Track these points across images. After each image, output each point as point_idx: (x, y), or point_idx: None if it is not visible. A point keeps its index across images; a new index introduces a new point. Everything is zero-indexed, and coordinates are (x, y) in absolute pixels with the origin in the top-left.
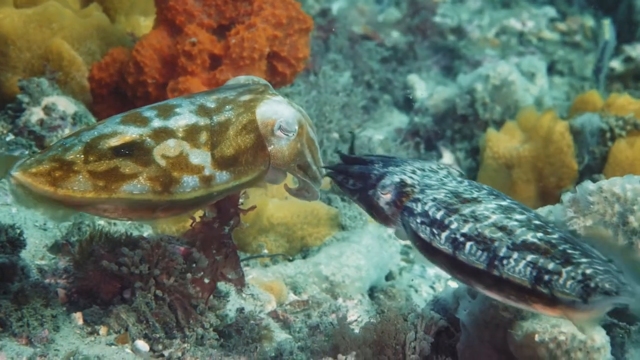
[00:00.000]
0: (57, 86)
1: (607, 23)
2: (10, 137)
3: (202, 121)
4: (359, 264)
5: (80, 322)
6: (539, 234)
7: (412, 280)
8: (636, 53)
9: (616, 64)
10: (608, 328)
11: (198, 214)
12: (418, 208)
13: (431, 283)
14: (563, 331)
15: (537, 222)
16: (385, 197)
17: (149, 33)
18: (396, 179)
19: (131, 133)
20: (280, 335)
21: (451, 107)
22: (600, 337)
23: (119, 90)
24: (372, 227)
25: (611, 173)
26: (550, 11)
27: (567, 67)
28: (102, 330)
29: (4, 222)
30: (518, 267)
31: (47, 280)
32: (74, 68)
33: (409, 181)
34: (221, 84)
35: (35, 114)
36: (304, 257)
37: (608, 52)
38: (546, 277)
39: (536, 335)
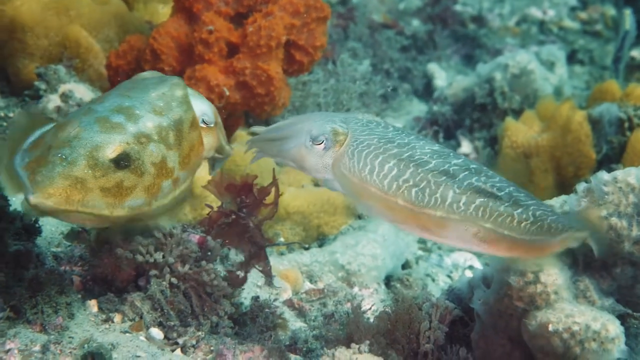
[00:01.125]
0: (74, 73)
1: (628, 13)
2: None
3: (164, 121)
4: (375, 252)
5: (95, 309)
6: (482, 178)
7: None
8: None
9: (637, 53)
10: (622, 318)
11: (215, 203)
12: (355, 156)
13: (448, 272)
14: (577, 321)
15: (474, 166)
16: (318, 148)
17: (167, 21)
18: (327, 128)
19: (120, 141)
20: (296, 324)
21: (470, 96)
22: (614, 328)
23: None
24: None
25: (629, 162)
26: (571, 0)
27: (587, 56)
28: (117, 317)
29: (19, 209)
30: (469, 211)
31: (62, 268)
32: (92, 55)
33: (340, 129)
34: (238, 72)
35: (52, 101)
36: (320, 246)
37: (628, 42)
38: (499, 219)
39: (550, 325)
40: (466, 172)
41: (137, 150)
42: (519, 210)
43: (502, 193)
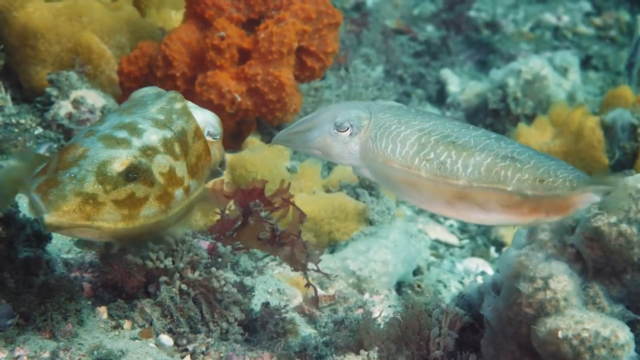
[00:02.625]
0: (86, 80)
1: None
2: (39, 130)
3: (168, 133)
4: (386, 259)
5: (105, 316)
6: (502, 144)
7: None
8: None
9: None
10: (632, 325)
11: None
12: (378, 136)
13: (460, 278)
14: (587, 328)
15: (494, 136)
16: (343, 135)
17: (178, 27)
18: (352, 114)
19: (126, 155)
20: (306, 330)
21: (483, 102)
22: (624, 334)
23: (148, 83)
24: (400, 222)
25: None
26: (586, 5)
27: (601, 62)
28: (127, 324)
29: (29, 216)
30: (490, 176)
31: (72, 274)
32: (103, 61)
33: (364, 114)
34: (250, 79)
35: (64, 108)
36: (331, 252)
37: None
38: (522, 180)
39: (559, 332)
40: (487, 141)
41: (145, 162)
42: (541, 170)
43: (522, 156)
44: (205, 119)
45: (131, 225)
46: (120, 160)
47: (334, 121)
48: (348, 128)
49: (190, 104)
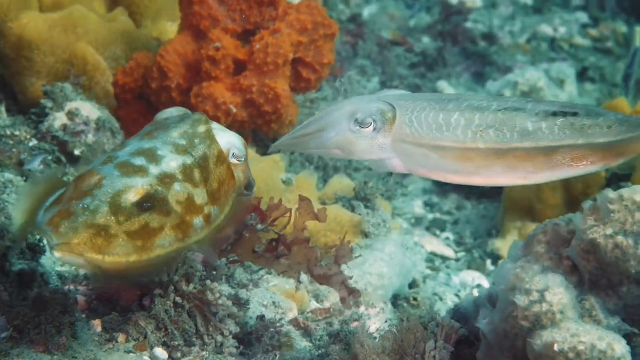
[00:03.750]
0: (81, 91)
1: (638, 30)
2: (34, 142)
3: (188, 159)
4: (382, 272)
5: (99, 329)
6: (549, 104)
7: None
8: None
9: None
10: (629, 338)
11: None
12: (414, 122)
13: (456, 291)
14: (583, 341)
15: (530, 99)
16: (367, 131)
17: (174, 38)
18: (373, 108)
19: (142, 184)
20: (301, 344)
21: None
22: (620, 347)
23: (143, 95)
24: (396, 235)
25: (638, 180)
26: (583, 17)
27: (598, 73)
28: (121, 337)
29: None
30: (554, 132)
31: (67, 287)
32: (99, 73)
33: (386, 107)
34: (245, 90)
35: (58, 119)
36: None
37: (638, 60)
38: (589, 132)
39: (555, 345)
40: (530, 103)
41: (162, 190)
42: (601, 119)
43: (577, 109)
44: (230, 141)
45: (145, 257)
46: (135, 189)
47: (352, 118)
48: (371, 123)
49: (215, 125)
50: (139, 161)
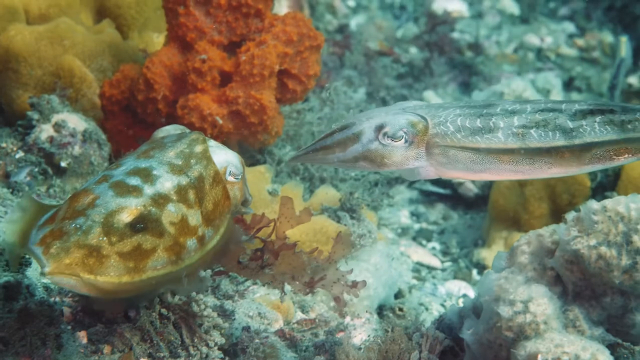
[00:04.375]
0: (68, 103)
1: (624, 40)
2: (20, 154)
3: (183, 180)
4: (367, 282)
5: (85, 340)
6: (581, 103)
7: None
8: None
9: (634, 80)
10: (612, 348)
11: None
12: (450, 127)
13: (442, 301)
14: (566, 351)
15: (560, 100)
16: (398, 143)
17: (160, 50)
18: (402, 121)
19: (135, 205)
20: (287, 354)
21: None
22: (604, 357)
23: (130, 107)
24: (381, 245)
25: (624, 190)
26: (569, 27)
27: (584, 83)
28: (106, 349)
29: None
30: (595, 129)
31: (52, 299)
32: (85, 85)
33: (415, 118)
34: (231, 101)
35: (45, 131)
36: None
37: (624, 70)
38: (629, 126)
39: (539, 356)
40: (564, 104)
41: (155, 211)
42: (638, 114)
43: (612, 106)
44: (227, 159)
45: (137, 278)
46: (129, 210)
47: (380, 131)
48: (402, 136)
49: (213, 143)
50: (134, 181)
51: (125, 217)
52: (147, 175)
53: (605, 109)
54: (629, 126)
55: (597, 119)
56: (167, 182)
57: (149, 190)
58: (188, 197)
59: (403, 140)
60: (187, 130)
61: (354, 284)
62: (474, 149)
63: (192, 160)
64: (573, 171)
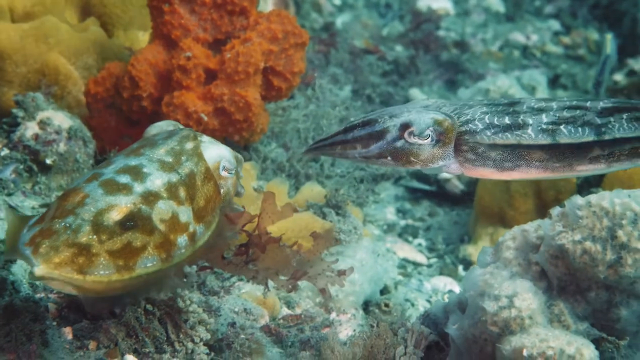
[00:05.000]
0: (53, 101)
1: (609, 37)
2: (5, 151)
3: (174, 177)
4: (353, 278)
5: (70, 336)
6: (604, 100)
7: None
8: (639, 66)
9: (620, 77)
10: (597, 343)
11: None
12: (479, 125)
13: (428, 297)
14: (551, 345)
15: (581, 97)
16: (425, 142)
17: (145, 47)
18: (428, 120)
19: (125, 203)
20: (272, 350)
21: None
22: (589, 352)
23: (115, 104)
24: (367, 241)
25: (609, 187)
26: (555, 24)
27: (570, 80)
28: (92, 345)
29: None
30: (624, 126)
31: (38, 295)
32: (70, 82)
33: (440, 117)
34: (216, 99)
35: (30, 129)
36: None
37: (609, 67)
38: None
39: (524, 350)
40: (588, 101)
41: (145, 209)
42: None
43: (635, 104)
44: (220, 154)
45: (127, 276)
46: (118, 208)
47: (405, 130)
48: (429, 135)
49: (206, 139)
50: (124, 179)
51: (115, 215)
52: (137, 173)
53: (630, 107)
54: None
55: (624, 115)
56: (157, 180)
57: (139, 188)
58: (179, 194)
59: (430, 138)
60: (180, 127)
61: (340, 273)
62: (505, 145)
63: (182, 157)
64: (601, 168)
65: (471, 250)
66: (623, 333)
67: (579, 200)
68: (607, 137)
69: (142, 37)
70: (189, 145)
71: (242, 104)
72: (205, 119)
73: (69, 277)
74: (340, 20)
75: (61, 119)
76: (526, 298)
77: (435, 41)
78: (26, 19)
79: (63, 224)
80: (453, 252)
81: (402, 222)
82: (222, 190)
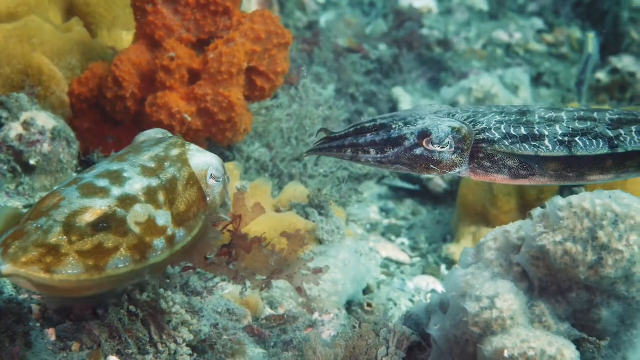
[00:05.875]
0: (37, 101)
1: (591, 37)
2: None
3: (154, 182)
4: (336, 278)
5: (53, 338)
6: (612, 112)
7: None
8: (622, 64)
9: (602, 76)
10: (578, 343)
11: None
12: (496, 134)
13: (410, 296)
14: (532, 346)
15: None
16: (445, 149)
17: (128, 48)
18: (446, 128)
19: (100, 205)
20: (255, 350)
21: None
22: (570, 352)
23: (99, 105)
24: (350, 241)
25: (591, 187)
26: (538, 22)
27: (553, 78)
28: (75, 346)
29: None
30: (635, 139)
31: (21, 297)
32: (54, 83)
33: (457, 125)
34: (200, 99)
35: (14, 129)
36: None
37: (591, 66)
38: None
39: (505, 351)
40: (595, 112)
41: (120, 211)
42: None
43: (636, 115)
44: (207, 162)
45: (97, 276)
46: (93, 210)
47: (424, 138)
48: (449, 143)
49: (194, 147)
50: (102, 183)
51: (88, 217)
52: (116, 178)
53: (635, 119)
54: None
55: (633, 128)
56: (136, 184)
57: (116, 191)
58: (157, 199)
59: (449, 146)
60: (169, 135)
61: (317, 270)
62: (523, 156)
63: (166, 163)
64: (610, 178)
65: (454, 250)
66: (604, 333)
67: (560, 201)
68: (620, 150)
69: (126, 37)
70: (175, 152)
71: (226, 105)
72: (189, 119)
73: (35, 276)
74: (324, 19)
75: (45, 120)
76: (507, 299)
77: (419, 40)
78: (10, 20)
79: (35, 225)
80: (436, 251)
81: (386, 221)
82: (208, 199)
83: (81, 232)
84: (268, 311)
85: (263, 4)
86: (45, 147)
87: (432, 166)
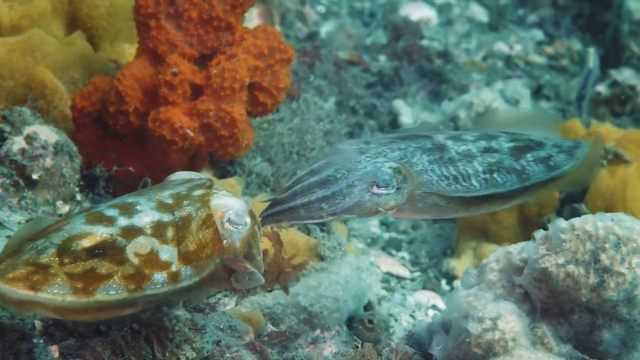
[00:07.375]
0: (39, 115)
1: (591, 52)
2: None
3: (166, 217)
4: (337, 295)
5: (57, 354)
6: (503, 137)
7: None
8: (622, 77)
9: (602, 88)
10: None
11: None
12: (433, 176)
13: (411, 312)
14: None
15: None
16: (391, 192)
17: (131, 62)
18: (387, 170)
19: (101, 233)
20: None
21: None
22: None
23: (101, 119)
24: (351, 258)
25: (592, 202)
26: (538, 34)
27: (553, 91)
28: None
29: None
30: (535, 170)
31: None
32: (57, 97)
33: (396, 165)
34: (202, 114)
35: (16, 143)
36: None
37: (591, 81)
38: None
39: None
40: (493, 140)
41: (121, 241)
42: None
43: (528, 140)
44: (227, 205)
45: (84, 299)
46: (92, 236)
47: (371, 183)
48: (394, 185)
49: (222, 190)
50: (111, 212)
51: (86, 243)
52: (128, 209)
53: (526, 145)
54: (551, 163)
55: (529, 157)
56: (146, 217)
57: (123, 222)
58: (164, 234)
59: (393, 188)
60: (200, 177)
61: (298, 267)
62: (456, 198)
63: (185, 202)
64: (515, 202)
65: (454, 264)
66: (605, 355)
67: (562, 223)
68: (527, 183)
69: (129, 50)
70: (198, 192)
71: (228, 120)
72: (191, 134)
73: (19, 293)
74: (324, 30)
75: (47, 134)
76: (510, 320)
77: (419, 51)
78: (13, 32)
79: (31, 245)
80: (436, 265)
81: (386, 235)
82: (225, 242)
83: (75, 256)
84: (270, 327)
85: (264, 15)
86: (48, 161)
87: (380, 209)
